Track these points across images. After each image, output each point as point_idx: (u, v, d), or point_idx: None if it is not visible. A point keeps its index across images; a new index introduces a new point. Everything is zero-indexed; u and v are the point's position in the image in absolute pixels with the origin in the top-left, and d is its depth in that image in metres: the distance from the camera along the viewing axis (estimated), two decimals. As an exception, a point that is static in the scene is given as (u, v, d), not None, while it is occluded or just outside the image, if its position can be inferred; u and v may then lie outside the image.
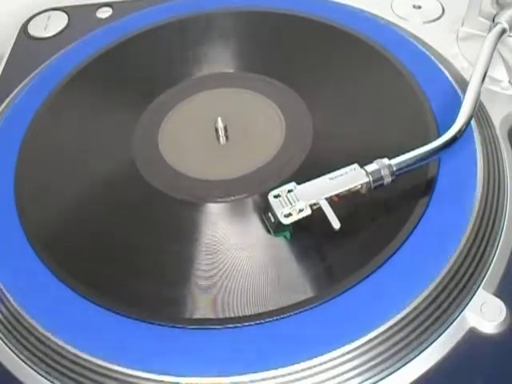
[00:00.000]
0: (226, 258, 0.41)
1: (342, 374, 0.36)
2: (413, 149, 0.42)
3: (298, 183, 0.41)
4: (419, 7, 0.59)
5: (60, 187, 0.47)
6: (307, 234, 0.41)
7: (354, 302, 0.38)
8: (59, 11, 0.65)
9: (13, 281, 0.41)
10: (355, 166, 0.41)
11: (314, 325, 0.37)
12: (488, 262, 0.41)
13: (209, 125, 0.49)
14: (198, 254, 0.42)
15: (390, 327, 0.37)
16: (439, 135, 0.43)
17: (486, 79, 0.47)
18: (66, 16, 0.64)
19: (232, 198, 0.45)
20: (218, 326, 0.38)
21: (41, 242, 0.43)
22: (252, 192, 0.45)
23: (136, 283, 0.41)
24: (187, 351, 0.37)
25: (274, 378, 0.36)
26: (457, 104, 0.44)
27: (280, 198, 0.41)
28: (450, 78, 0.50)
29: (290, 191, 0.41)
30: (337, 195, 0.40)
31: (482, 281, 0.40)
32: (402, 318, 0.37)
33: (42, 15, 0.65)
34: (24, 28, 0.63)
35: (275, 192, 0.41)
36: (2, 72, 0.58)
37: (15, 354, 0.40)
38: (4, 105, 0.55)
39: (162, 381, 0.36)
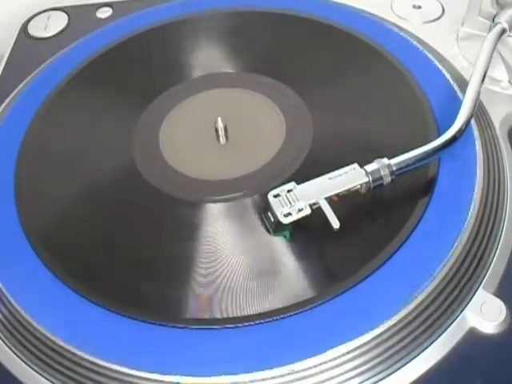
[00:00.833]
0: (226, 258, 0.41)
1: (342, 374, 0.36)
2: (412, 149, 0.42)
3: (298, 183, 0.41)
4: (419, 7, 0.59)
5: (60, 187, 0.47)
6: (307, 234, 0.41)
7: (353, 302, 0.38)
8: (59, 11, 0.65)
9: (13, 281, 0.41)
10: (355, 165, 0.41)
11: (313, 325, 0.37)
12: (488, 262, 0.41)
13: (209, 125, 0.49)
14: (198, 253, 0.42)
15: (390, 327, 0.37)
16: (439, 135, 0.43)
17: (486, 79, 0.47)
18: (65, 16, 0.64)
19: (232, 197, 0.45)
20: (217, 326, 0.38)
21: (41, 242, 0.43)
22: (252, 192, 0.45)
23: (136, 283, 0.41)
24: (187, 351, 0.37)
25: (273, 378, 0.36)
26: (457, 104, 0.44)
27: (280, 198, 0.41)
28: (450, 78, 0.50)
29: (289, 191, 0.41)
30: (336, 195, 0.40)
31: (481, 281, 0.40)
32: (402, 318, 0.37)
33: (41, 15, 0.65)
34: (24, 28, 0.63)
35: (275, 192, 0.41)
36: (2, 72, 0.58)
37: (15, 354, 0.40)
38: (4, 105, 0.55)
39: (161, 380, 0.36)
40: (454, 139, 0.42)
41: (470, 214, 0.41)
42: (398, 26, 0.57)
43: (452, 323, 0.38)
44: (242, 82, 0.54)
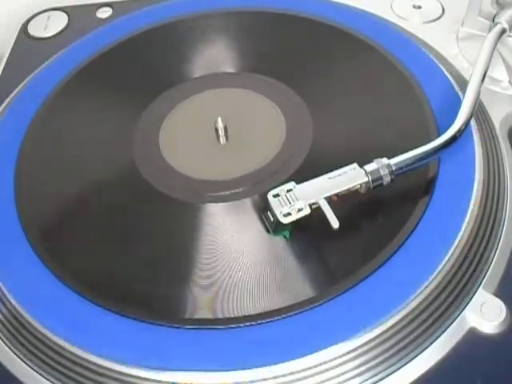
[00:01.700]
0: (226, 258, 0.41)
1: (342, 374, 0.36)
2: (412, 149, 0.42)
3: (298, 183, 0.41)
4: (419, 7, 0.59)
5: (60, 187, 0.47)
6: (306, 234, 0.41)
7: (353, 301, 0.38)
8: (59, 11, 0.65)
9: (13, 281, 0.41)
10: (354, 165, 0.41)
11: (313, 325, 0.37)
12: (488, 262, 0.41)
13: (209, 125, 0.49)
14: (198, 253, 0.42)
15: (390, 327, 0.37)
16: (439, 135, 0.43)
17: (486, 79, 0.47)
18: (65, 16, 0.64)
19: (232, 197, 0.45)
20: (217, 326, 0.38)
21: (41, 242, 0.43)
22: (252, 192, 0.45)
23: (136, 283, 0.41)
24: (187, 351, 0.37)
25: (274, 377, 0.36)
26: (457, 104, 0.44)
27: (279, 198, 0.41)
28: (450, 78, 0.50)
29: (289, 191, 0.41)
30: (336, 195, 0.40)
31: (481, 281, 0.40)
32: (402, 318, 0.37)
33: (41, 15, 0.65)
34: (24, 28, 0.63)
35: (274, 191, 0.41)
36: (2, 72, 0.58)
37: (15, 354, 0.40)
38: (4, 105, 0.55)
39: (159, 380, 0.36)
40: (453, 139, 0.42)
41: (469, 213, 0.41)
42: (398, 26, 0.57)
43: (452, 323, 0.38)
44: (242, 81, 0.54)
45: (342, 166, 0.41)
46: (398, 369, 0.37)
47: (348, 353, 0.36)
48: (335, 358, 0.36)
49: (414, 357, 0.37)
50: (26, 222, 0.44)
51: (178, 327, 0.38)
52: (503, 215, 0.43)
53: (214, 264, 0.41)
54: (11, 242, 0.43)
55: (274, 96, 0.52)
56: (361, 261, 0.39)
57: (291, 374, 0.36)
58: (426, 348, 0.37)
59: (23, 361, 0.39)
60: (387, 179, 0.41)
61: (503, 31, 0.48)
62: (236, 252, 0.42)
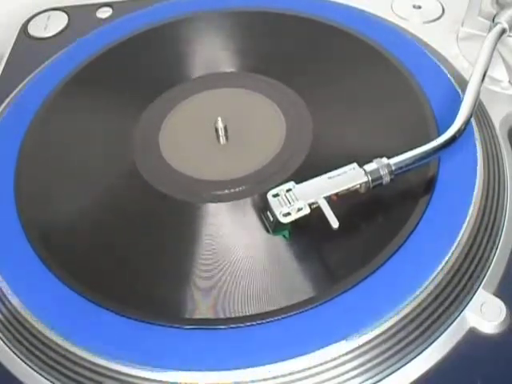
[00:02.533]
0: (226, 258, 0.41)
1: (342, 374, 0.36)
2: (412, 149, 0.42)
3: (298, 183, 0.41)
4: (419, 7, 0.59)
5: (60, 187, 0.47)
6: (306, 234, 0.41)
7: (353, 301, 0.38)
8: (59, 11, 0.65)
9: (13, 281, 0.41)
10: (354, 165, 0.41)
11: (313, 324, 0.37)
12: (488, 261, 0.41)
13: (209, 125, 0.49)
14: (198, 253, 0.42)
15: (390, 327, 0.37)
16: (439, 135, 0.43)
17: (486, 79, 0.47)
18: (66, 16, 0.64)
19: (231, 197, 0.45)
20: (217, 326, 0.38)
21: (41, 242, 0.43)
22: (252, 192, 0.45)
23: (136, 283, 0.41)
24: (187, 351, 0.37)
25: (274, 378, 0.36)
26: (457, 104, 0.44)
27: (279, 197, 0.41)
28: (450, 78, 0.50)
29: (288, 190, 0.41)
30: (335, 194, 0.40)
31: (482, 281, 0.40)
32: (402, 318, 0.37)
33: (41, 15, 0.65)
34: (24, 28, 0.63)
35: (274, 191, 0.41)
36: (2, 72, 0.58)
37: (15, 354, 0.40)
38: (4, 105, 0.55)
39: (159, 380, 0.36)
40: (453, 139, 0.42)
41: (469, 213, 0.41)
42: (398, 26, 0.57)
43: (452, 323, 0.38)
44: (241, 81, 0.54)
45: (341, 166, 0.41)
46: (398, 369, 0.37)
47: (348, 353, 0.36)
48: (335, 358, 0.36)
49: (414, 357, 0.37)
50: (26, 222, 0.44)
51: (178, 327, 0.38)
52: (503, 215, 0.43)
53: (214, 264, 0.41)
54: (11, 242, 0.43)
55: (274, 96, 0.52)
56: (361, 261, 0.39)
57: (291, 373, 0.36)
58: (426, 348, 0.37)
59: (23, 361, 0.39)
60: (387, 179, 0.41)
61: (503, 31, 0.48)
62: (236, 252, 0.42)
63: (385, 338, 0.37)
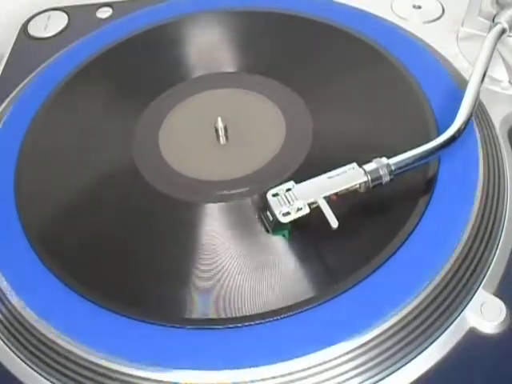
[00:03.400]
0: (225, 258, 0.41)
1: (342, 374, 0.36)
2: (412, 148, 0.42)
3: (297, 182, 0.41)
4: (419, 7, 0.59)
5: (60, 187, 0.47)
6: (306, 233, 0.41)
7: (353, 301, 0.38)
8: (59, 11, 0.65)
9: (13, 281, 0.41)
10: (354, 165, 0.41)
11: (313, 324, 0.37)
12: (488, 261, 0.41)
13: (209, 125, 0.49)
14: (198, 253, 0.42)
15: (390, 327, 0.37)
16: (439, 135, 0.43)
17: (486, 79, 0.47)
18: (66, 16, 0.64)
19: (231, 197, 0.45)
20: (217, 326, 0.38)
21: (41, 241, 0.43)
22: (252, 192, 0.45)
23: (136, 283, 0.41)
24: (187, 351, 0.37)
25: (273, 377, 0.36)
26: (457, 104, 0.44)
27: (278, 197, 0.41)
28: (450, 78, 0.50)
29: (288, 190, 0.41)
30: (335, 194, 0.40)
31: (482, 281, 0.40)
32: (402, 318, 0.37)
33: (42, 15, 0.65)
34: (24, 28, 0.63)
35: (274, 191, 0.41)
36: (2, 72, 0.59)
37: (15, 353, 0.40)
38: (4, 105, 0.55)
39: (160, 380, 0.36)
40: (453, 139, 0.42)
41: (469, 213, 0.41)
42: (398, 26, 0.57)
43: (452, 323, 0.38)
44: (242, 82, 0.54)
45: (341, 166, 0.41)
46: (398, 369, 0.37)
47: (348, 353, 0.36)
48: (335, 358, 0.36)
49: (414, 357, 0.37)
50: (26, 222, 0.44)
51: (178, 327, 0.38)
52: (503, 215, 0.43)
53: (214, 264, 0.41)
54: (11, 242, 0.43)
55: (274, 96, 0.52)
56: (360, 261, 0.39)
57: (290, 373, 0.36)
58: (426, 348, 0.37)
59: (23, 361, 0.39)
60: (386, 179, 0.41)
61: (503, 31, 0.48)
62: (235, 251, 0.42)
63: (385, 338, 0.37)
